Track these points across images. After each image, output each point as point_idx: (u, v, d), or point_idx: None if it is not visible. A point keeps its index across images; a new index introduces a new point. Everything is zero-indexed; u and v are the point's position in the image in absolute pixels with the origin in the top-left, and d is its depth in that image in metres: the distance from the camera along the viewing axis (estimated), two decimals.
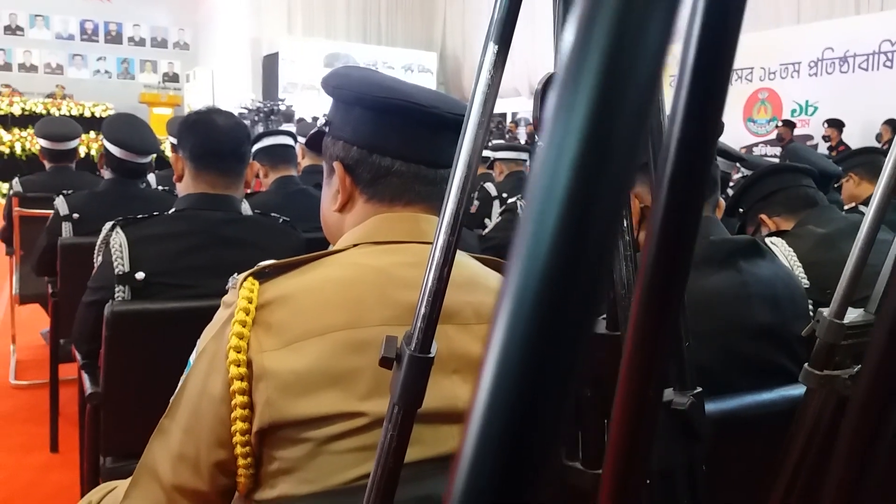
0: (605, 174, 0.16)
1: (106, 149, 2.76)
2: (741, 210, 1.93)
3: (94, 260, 1.86)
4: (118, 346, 1.67)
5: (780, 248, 1.61)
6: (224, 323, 0.82)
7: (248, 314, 0.79)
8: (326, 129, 1.00)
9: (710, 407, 1.06)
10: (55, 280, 2.75)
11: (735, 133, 9.89)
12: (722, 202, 1.37)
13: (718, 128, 0.28)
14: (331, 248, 0.94)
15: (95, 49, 16.98)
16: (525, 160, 3.81)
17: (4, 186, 9.43)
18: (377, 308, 0.83)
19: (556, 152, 0.16)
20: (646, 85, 0.16)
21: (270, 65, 15.35)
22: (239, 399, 0.78)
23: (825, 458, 0.88)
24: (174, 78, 17.70)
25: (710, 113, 0.24)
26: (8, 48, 15.82)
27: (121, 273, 1.72)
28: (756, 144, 10.20)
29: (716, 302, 1.16)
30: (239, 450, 0.79)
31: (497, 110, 13.15)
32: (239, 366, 0.78)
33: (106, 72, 17.11)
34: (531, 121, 0.54)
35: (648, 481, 0.51)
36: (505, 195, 3.55)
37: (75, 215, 2.71)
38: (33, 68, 16.14)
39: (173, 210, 1.82)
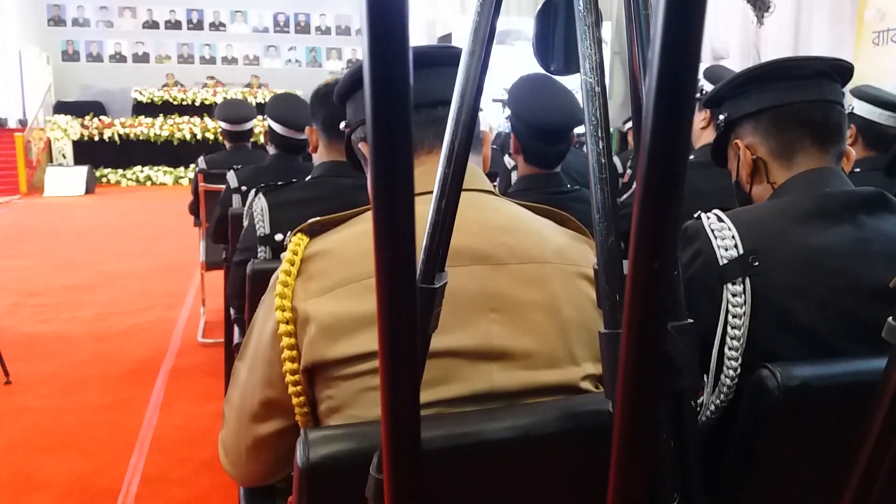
0: None
1: (269, 126, 2.99)
2: None
3: (243, 223, 2.04)
4: (259, 300, 1.83)
5: None
6: (277, 276, 0.89)
7: (292, 265, 0.87)
8: (348, 132, 1.07)
9: (812, 372, 0.99)
10: (228, 247, 3.03)
11: None
12: (852, 153, 1.23)
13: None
14: None
15: (287, 40, 18.26)
16: None
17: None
18: None
19: None
20: None
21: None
22: (286, 341, 0.85)
23: None
24: None
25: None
26: (213, 43, 17.43)
27: (262, 235, 1.87)
28: None
29: (826, 259, 1.06)
30: (290, 389, 0.87)
31: None
32: (284, 311, 0.85)
33: (296, 61, 18.36)
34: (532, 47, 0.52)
35: None
36: None
37: (243, 188, 2.97)
38: (234, 61, 17.66)
39: (309, 177, 1.95)
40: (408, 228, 0.23)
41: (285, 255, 0.91)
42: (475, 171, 1.02)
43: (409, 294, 0.26)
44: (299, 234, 0.92)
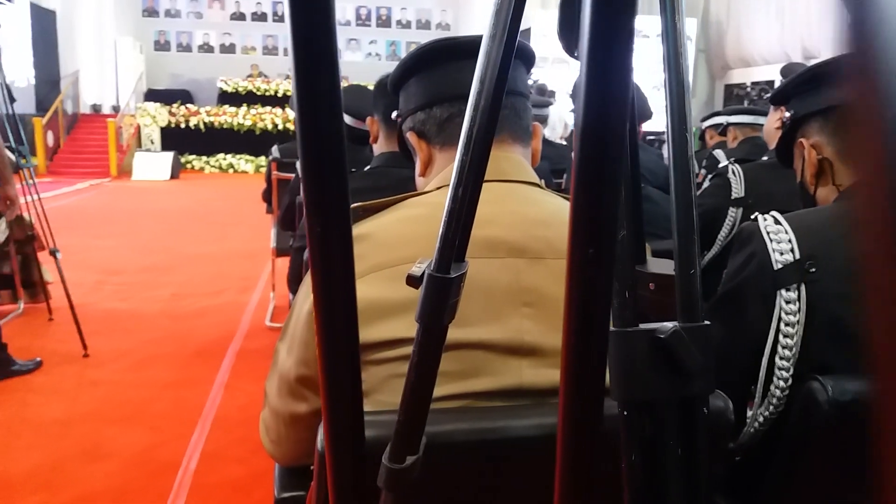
0: None
1: None
2: None
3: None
4: None
5: None
6: None
7: None
8: (399, 121, 1.07)
9: (867, 387, 0.93)
10: (295, 234, 3.10)
11: None
12: None
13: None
14: (417, 191, 0.98)
15: (368, 33, 18.52)
16: (762, 124, 3.46)
17: None
18: None
19: None
20: None
21: (524, 40, 15.62)
22: None
23: None
24: None
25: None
26: None
27: None
28: None
29: None
30: None
31: (766, 77, 11.98)
32: None
33: (376, 54, 18.60)
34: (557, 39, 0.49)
35: (626, 412, 0.47)
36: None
37: None
38: None
39: (368, 167, 1.97)
40: (342, 205, 0.22)
41: None
42: (521, 163, 1.00)
43: (344, 272, 0.24)
44: None
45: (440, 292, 0.59)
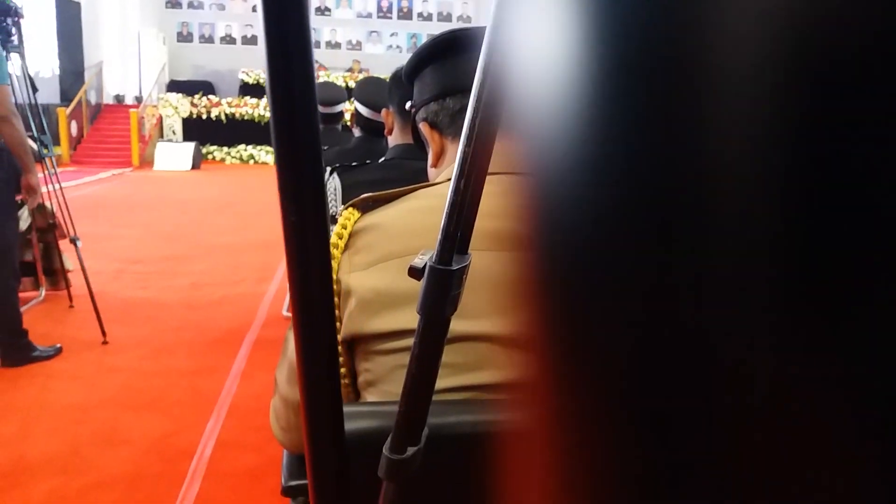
0: None
1: (356, 109, 3.04)
2: None
3: None
4: None
5: None
6: None
7: (340, 238, 0.87)
8: (413, 112, 1.07)
9: None
10: None
11: None
12: None
13: None
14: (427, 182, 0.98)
15: (389, 25, 18.52)
16: None
17: None
18: None
19: None
20: None
21: None
22: None
23: None
24: None
25: None
26: (318, 27, 17.88)
27: (334, 214, 1.90)
28: None
29: None
30: None
31: None
32: None
33: (397, 47, 18.60)
34: None
35: None
36: None
37: (328, 168, 3.03)
38: (337, 45, 18.08)
39: (383, 159, 1.97)
40: (317, 193, 0.22)
41: (334, 229, 0.92)
42: None
43: (320, 262, 0.24)
44: (350, 209, 0.93)
45: (441, 284, 0.59)
